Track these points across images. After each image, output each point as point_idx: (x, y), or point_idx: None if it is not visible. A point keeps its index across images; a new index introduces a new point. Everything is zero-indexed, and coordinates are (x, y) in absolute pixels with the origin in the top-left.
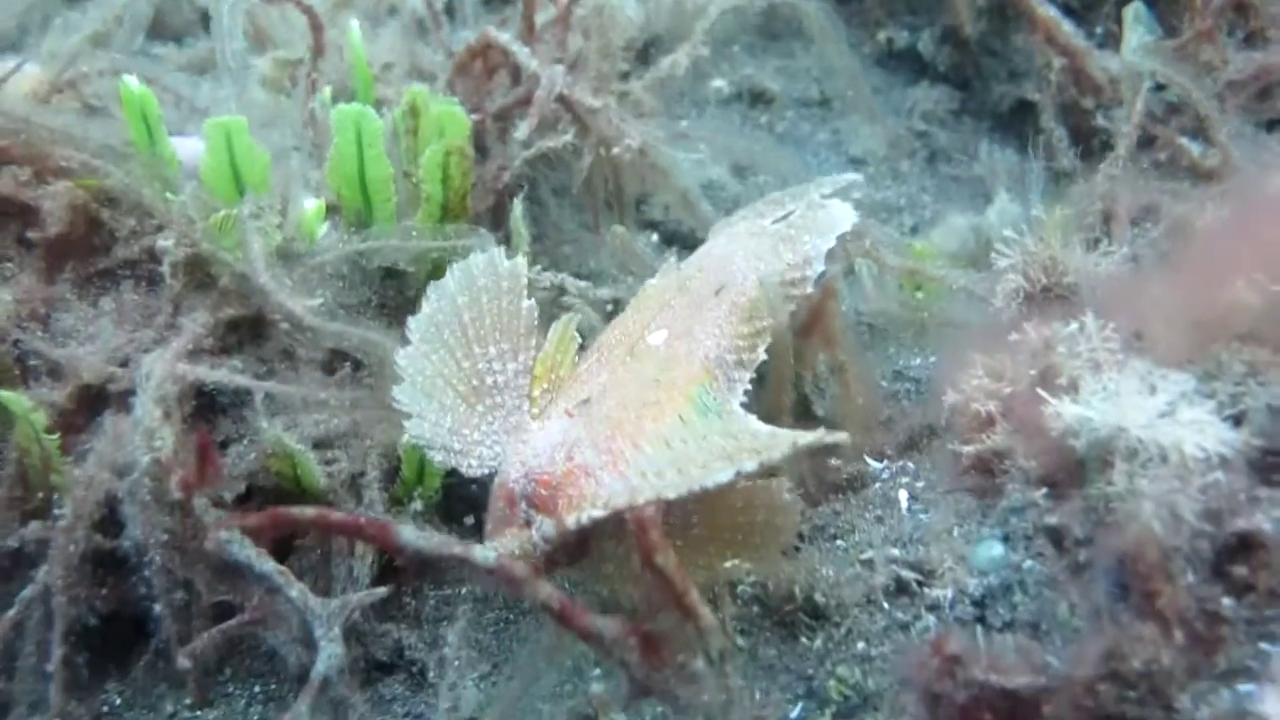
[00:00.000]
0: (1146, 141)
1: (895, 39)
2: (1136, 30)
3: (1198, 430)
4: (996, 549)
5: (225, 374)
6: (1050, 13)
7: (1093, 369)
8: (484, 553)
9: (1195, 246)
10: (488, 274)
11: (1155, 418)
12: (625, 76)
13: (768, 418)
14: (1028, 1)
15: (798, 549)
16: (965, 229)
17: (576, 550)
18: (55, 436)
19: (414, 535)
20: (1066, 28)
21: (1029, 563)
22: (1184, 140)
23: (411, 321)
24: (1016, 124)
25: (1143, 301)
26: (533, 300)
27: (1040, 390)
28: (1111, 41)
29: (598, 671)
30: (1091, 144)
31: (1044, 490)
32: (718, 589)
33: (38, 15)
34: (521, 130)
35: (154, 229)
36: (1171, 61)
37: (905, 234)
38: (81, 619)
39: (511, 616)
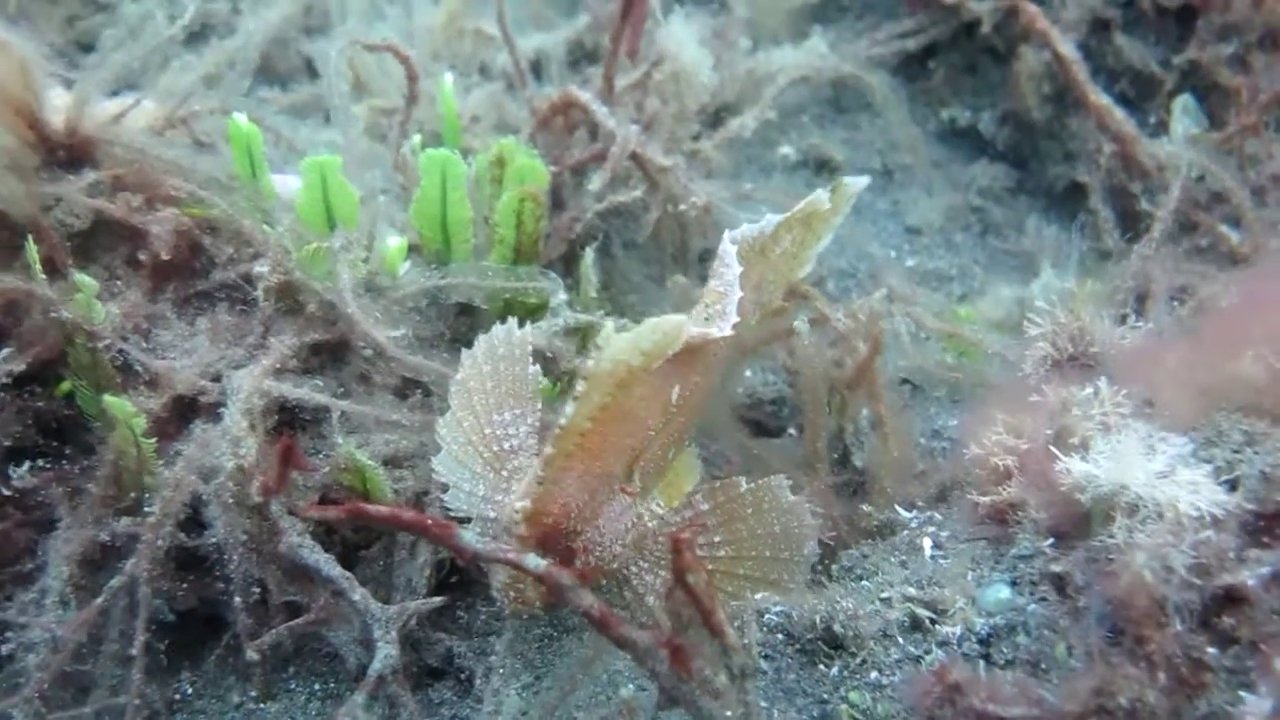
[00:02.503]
0: (1190, 226)
1: (958, 117)
2: (1183, 121)
3: (1193, 490)
4: (1004, 592)
5: (306, 391)
6: (1103, 100)
7: (1103, 430)
8: (535, 560)
9: (1207, 322)
10: (504, 343)
11: (1155, 477)
12: (696, 137)
13: (805, 464)
14: (1083, 88)
15: (825, 571)
16: (1010, 300)
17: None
18: (152, 440)
19: (473, 538)
20: (1118, 114)
21: (1033, 606)
22: (1224, 227)
23: (451, 385)
24: (1069, 204)
25: (1156, 370)
26: (537, 366)
27: (1053, 448)
28: (1163, 130)
29: (631, 687)
30: (1137, 226)
31: (1051, 540)
32: (746, 616)
33: (158, 57)
34: (595, 182)
35: (251, 256)
36: (1211, 152)
37: (954, 301)
38: (161, 611)
39: (555, 633)
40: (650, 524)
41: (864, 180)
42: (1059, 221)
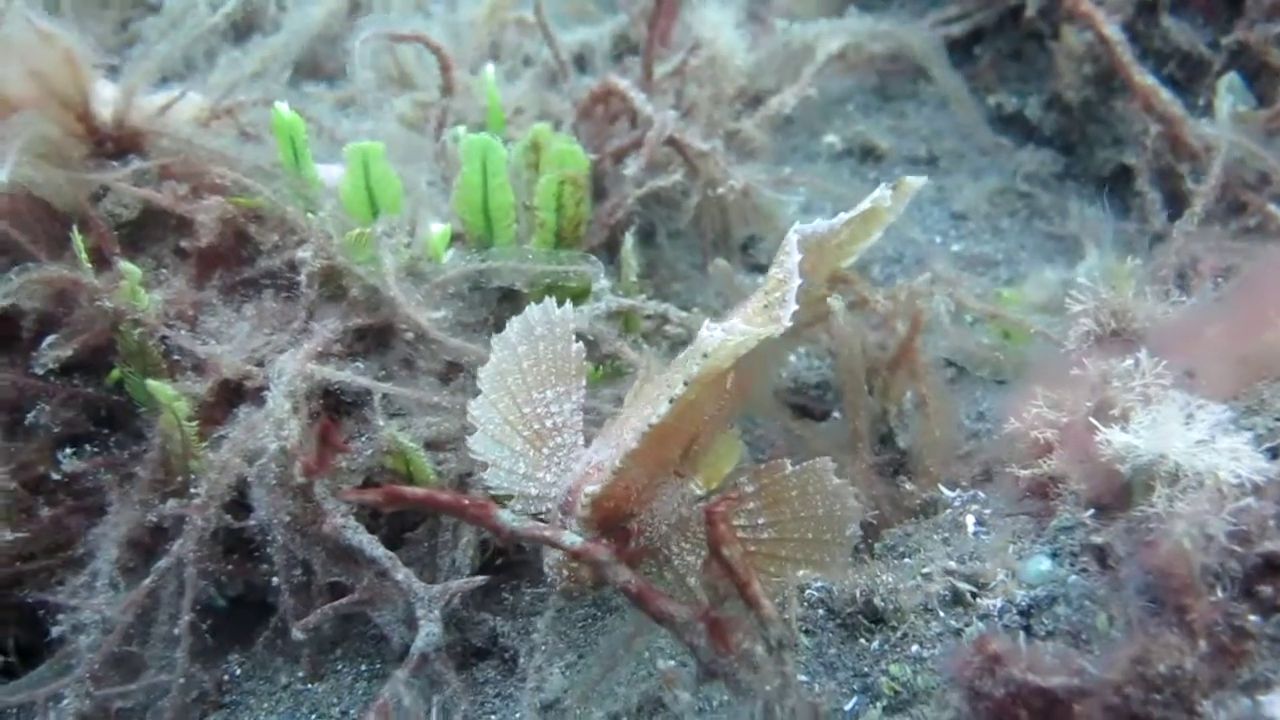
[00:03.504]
0: (1239, 207)
1: (1004, 104)
2: (1227, 100)
3: (1234, 458)
4: (1045, 564)
5: (349, 374)
6: (1149, 80)
7: (1143, 402)
8: (571, 537)
9: (1246, 291)
10: (542, 322)
11: (1194, 445)
12: (737, 117)
13: (847, 445)
14: (1128, 69)
15: (868, 550)
16: (1055, 283)
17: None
18: (194, 424)
19: (510, 517)
20: (1164, 95)
21: (1074, 577)
22: (1273, 206)
23: (480, 372)
24: (1117, 188)
25: (1196, 341)
26: (580, 343)
27: (1093, 420)
28: (1212, 112)
29: (671, 661)
30: (1184, 209)
31: (1092, 511)
32: (787, 592)
33: (202, 46)
34: (631, 167)
35: (295, 243)
36: (1257, 132)
37: (999, 286)
38: (209, 592)
39: (598, 613)
40: (692, 505)
41: (923, 180)
42: (1107, 206)
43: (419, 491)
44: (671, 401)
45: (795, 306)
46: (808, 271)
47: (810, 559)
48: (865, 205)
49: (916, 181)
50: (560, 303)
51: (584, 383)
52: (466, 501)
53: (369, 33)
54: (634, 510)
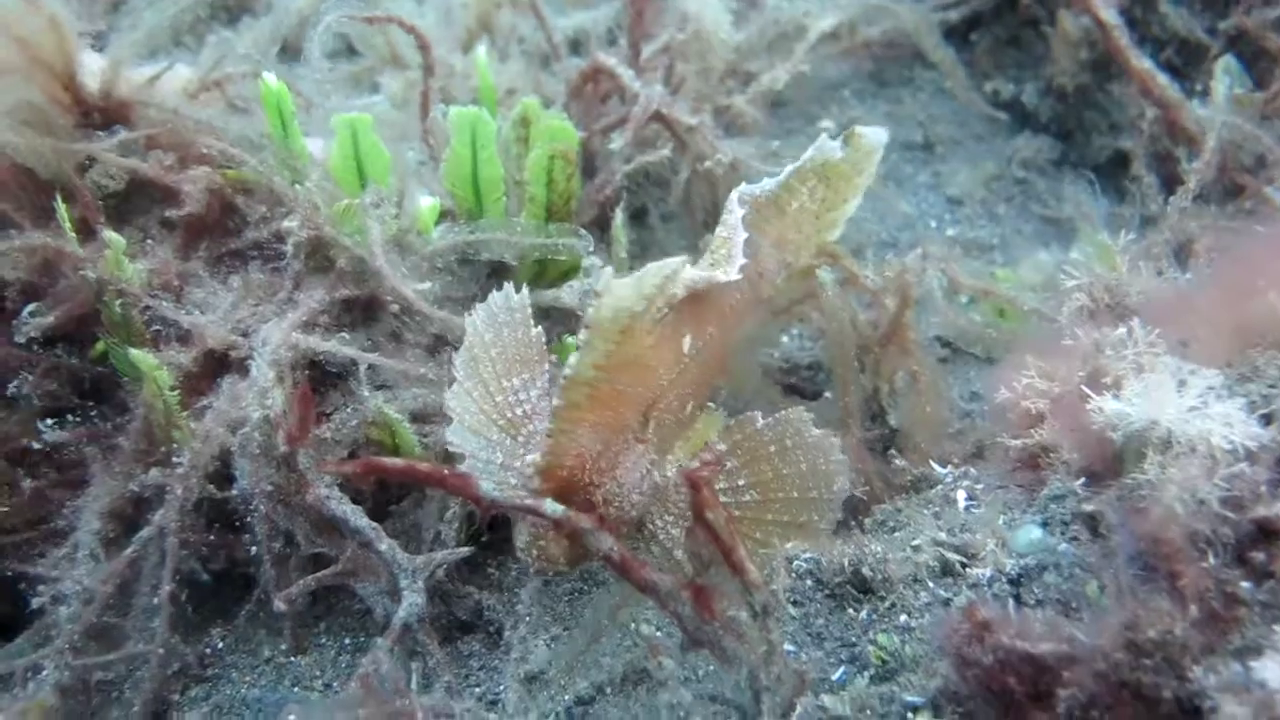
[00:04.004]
0: (1235, 190)
1: (1001, 90)
2: (1224, 82)
3: (1226, 424)
4: (1035, 533)
5: (334, 344)
6: (1146, 65)
7: (1136, 370)
8: (552, 506)
9: (1238, 262)
10: (504, 309)
11: (1187, 411)
12: (728, 94)
13: (838, 422)
14: (1124, 53)
15: (859, 525)
16: (1050, 265)
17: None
18: (177, 394)
19: (490, 487)
20: (1161, 79)
21: (1064, 546)
22: (1269, 189)
23: (456, 358)
24: (1114, 174)
25: (1189, 311)
26: (539, 328)
27: (1085, 388)
28: (1208, 96)
29: (652, 627)
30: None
31: (1083, 480)
32: (774, 563)
33: (189, 17)
34: (616, 142)
35: (283, 215)
36: (1253, 115)
37: (995, 268)
38: (192, 567)
39: (583, 587)
40: (671, 476)
41: (882, 133)
42: (1103, 191)
43: (398, 463)
44: (579, 347)
45: (741, 260)
46: (775, 241)
47: (798, 520)
48: (810, 156)
49: (873, 133)
50: (553, 279)
51: (547, 368)
52: (446, 472)
53: (334, 15)
54: (594, 480)
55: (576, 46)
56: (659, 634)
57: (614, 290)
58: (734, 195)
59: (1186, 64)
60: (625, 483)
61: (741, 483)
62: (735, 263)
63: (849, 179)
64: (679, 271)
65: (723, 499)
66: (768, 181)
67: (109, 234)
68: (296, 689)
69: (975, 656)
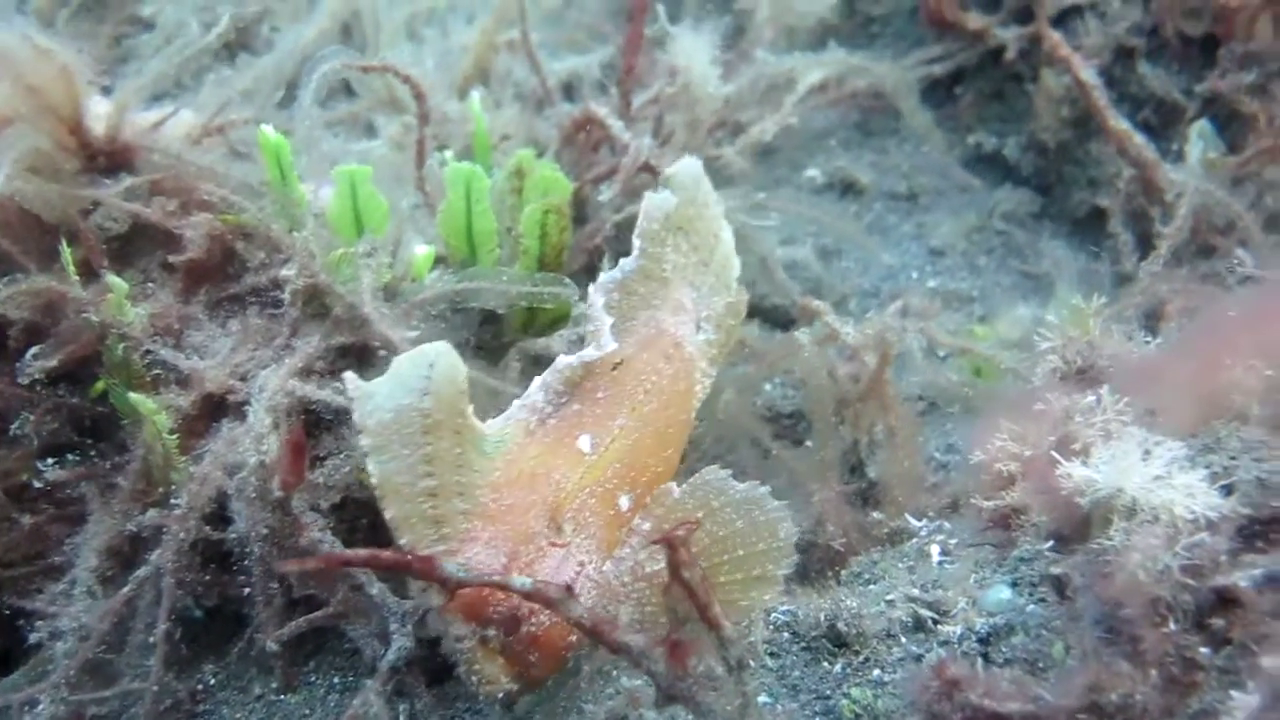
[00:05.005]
0: (1208, 250)
1: (984, 143)
2: (1198, 145)
3: (1188, 494)
4: (1005, 593)
5: (328, 393)
6: (1124, 125)
7: (1104, 437)
8: (520, 580)
9: (1204, 334)
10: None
11: (1151, 481)
12: (718, 144)
13: (816, 473)
14: (1103, 113)
15: (835, 577)
16: (1028, 320)
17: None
18: (175, 437)
19: (455, 567)
20: (1138, 139)
21: (1032, 607)
22: (1241, 252)
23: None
24: (1091, 229)
25: (1156, 380)
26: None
27: (1055, 454)
28: (1184, 156)
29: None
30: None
31: (1051, 542)
32: (753, 615)
33: (195, 65)
34: (605, 193)
35: (281, 261)
36: (1225, 178)
37: (974, 321)
38: (186, 604)
39: None
40: (611, 570)
41: (692, 162)
42: (1081, 247)
43: (361, 553)
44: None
45: (612, 345)
46: (671, 306)
47: (752, 574)
48: (645, 217)
49: (684, 165)
50: (542, 327)
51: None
52: (410, 557)
53: (330, 64)
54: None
55: (569, 90)
56: (639, 682)
57: (375, 392)
58: (592, 288)
59: (1164, 124)
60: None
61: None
62: (605, 343)
63: (700, 215)
64: (434, 354)
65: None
66: (625, 262)
67: (112, 278)
68: None
69: (945, 713)
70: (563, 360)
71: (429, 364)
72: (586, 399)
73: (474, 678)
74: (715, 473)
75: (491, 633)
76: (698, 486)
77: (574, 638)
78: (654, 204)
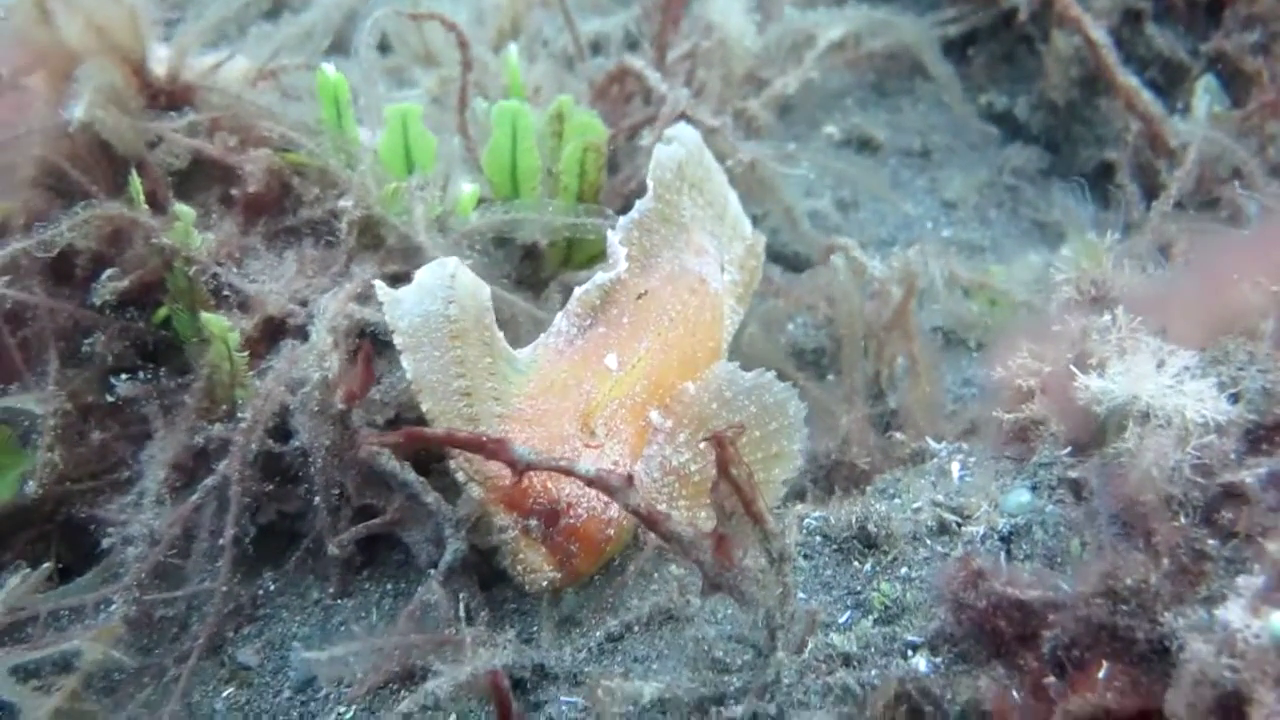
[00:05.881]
0: (1212, 202)
1: (995, 102)
2: (1204, 99)
3: (1199, 400)
4: (1025, 496)
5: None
6: (1132, 81)
7: (1119, 353)
8: (585, 467)
9: (1215, 258)
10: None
11: (1164, 388)
12: (744, 98)
13: (843, 396)
14: (1111, 70)
15: (860, 492)
16: (1040, 265)
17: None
18: (244, 354)
19: (526, 450)
20: (1145, 95)
21: (1051, 507)
22: (1242, 196)
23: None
24: (1098, 184)
25: (1168, 302)
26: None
27: (1072, 368)
28: (1189, 113)
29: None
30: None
31: (1069, 449)
32: (787, 520)
33: (253, 11)
34: (647, 138)
35: (336, 196)
36: (1227, 130)
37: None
38: (246, 526)
39: None
40: (635, 473)
41: (683, 127)
42: (1089, 200)
43: (438, 431)
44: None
45: (624, 263)
46: (694, 247)
47: (770, 453)
48: (658, 166)
49: (677, 129)
50: (581, 262)
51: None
52: (484, 438)
53: (382, 10)
54: (546, 486)
55: (596, 49)
56: (683, 571)
57: (401, 298)
58: (610, 228)
59: (1169, 83)
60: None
61: (704, 447)
62: (617, 260)
63: (709, 177)
64: (466, 272)
65: (694, 469)
66: (640, 203)
67: (179, 206)
68: (343, 627)
69: (970, 601)
70: (580, 288)
71: (450, 275)
72: (611, 323)
73: (519, 567)
74: (725, 366)
75: (534, 523)
76: (710, 379)
77: (611, 532)
78: (665, 154)
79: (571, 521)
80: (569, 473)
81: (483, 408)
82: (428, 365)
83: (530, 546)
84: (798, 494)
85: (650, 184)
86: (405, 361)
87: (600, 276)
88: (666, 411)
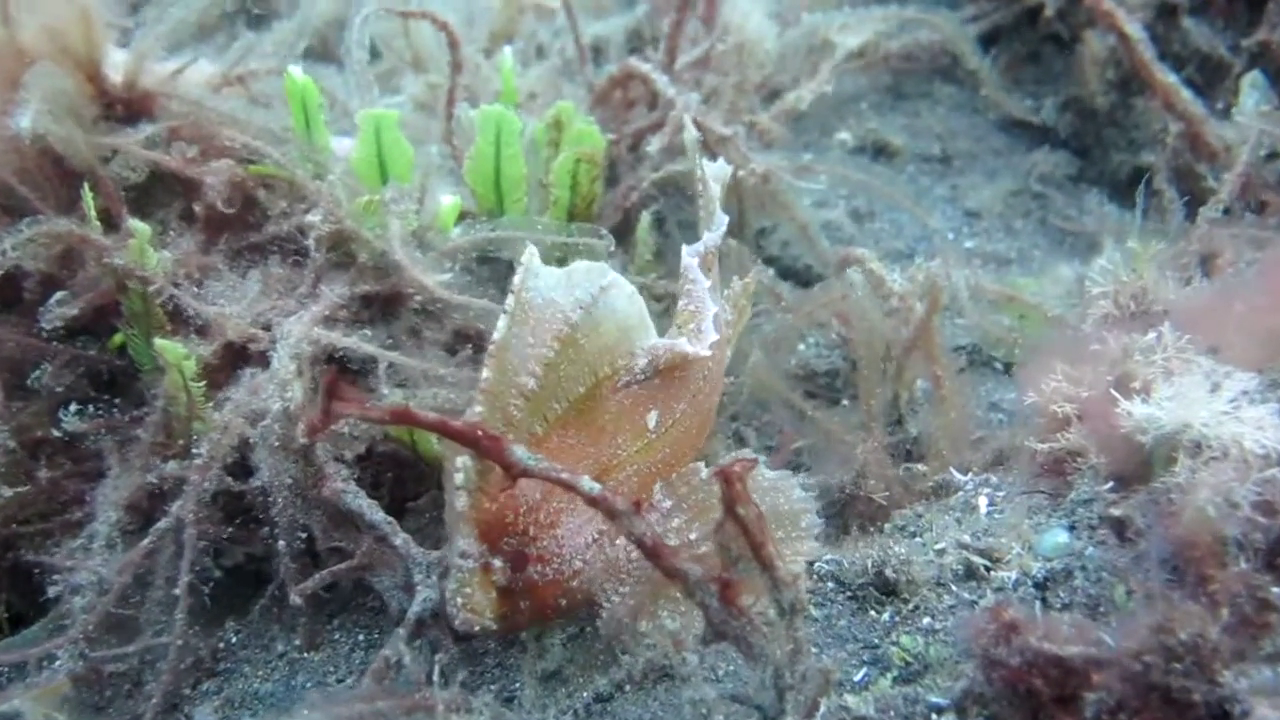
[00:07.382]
0: (1260, 206)
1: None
2: (1252, 95)
3: (1259, 428)
4: (1062, 536)
5: (355, 340)
6: (1170, 79)
7: (1165, 375)
8: (589, 483)
9: (1270, 269)
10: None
11: (1219, 415)
12: (753, 110)
13: (859, 424)
14: (1149, 68)
15: (878, 529)
16: (1071, 278)
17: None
18: (201, 384)
19: (524, 454)
20: (1185, 94)
21: (1091, 550)
22: None
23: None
24: (1132, 191)
25: (1221, 317)
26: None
27: (1114, 392)
28: (1229, 114)
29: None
30: (1202, 207)
31: (1111, 484)
32: (797, 566)
33: (215, 13)
34: (654, 145)
35: (304, 210)
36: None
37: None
38: (206, 563)
39: None
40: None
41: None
42: (1122, 209)
43: (430, 416)
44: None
45: (715, 336)
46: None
47: None
48: (713, 179)
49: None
50: None
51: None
52: (480, 433)
53: (371, 7)
54: (528, 529)
55: (595, 54)
56: (678, 624)
57: (542, 274)
58: (687, 260)
59: (1208, 82)
60: (566, 545)
61: (693, 536)
62: (707, 338)
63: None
64: (603, 273)
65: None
66: (709, 236)
67: (134, 223)
68: (310, 684)
69: (1002, 657)
70: (663, 344)
71: (600, 286)
72: (666, 376)
73: (460, 600)
74: (748, 455)
75: (499, 564)
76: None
77: (564, 602)
78: (716, 172)
79: (534, 576)
80: (570, 487)
81: (525, 421)
82: (516, 345)
83: (483, 586)
84: None
85: (715, 209)
86: (500, 324)
87: (687, 345)
88: (670, 489)
